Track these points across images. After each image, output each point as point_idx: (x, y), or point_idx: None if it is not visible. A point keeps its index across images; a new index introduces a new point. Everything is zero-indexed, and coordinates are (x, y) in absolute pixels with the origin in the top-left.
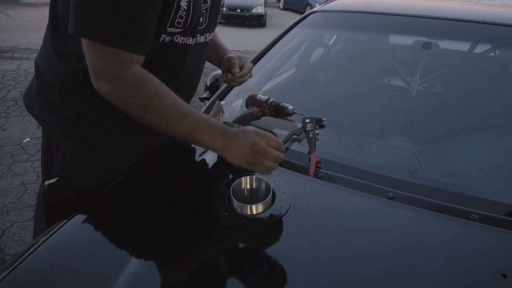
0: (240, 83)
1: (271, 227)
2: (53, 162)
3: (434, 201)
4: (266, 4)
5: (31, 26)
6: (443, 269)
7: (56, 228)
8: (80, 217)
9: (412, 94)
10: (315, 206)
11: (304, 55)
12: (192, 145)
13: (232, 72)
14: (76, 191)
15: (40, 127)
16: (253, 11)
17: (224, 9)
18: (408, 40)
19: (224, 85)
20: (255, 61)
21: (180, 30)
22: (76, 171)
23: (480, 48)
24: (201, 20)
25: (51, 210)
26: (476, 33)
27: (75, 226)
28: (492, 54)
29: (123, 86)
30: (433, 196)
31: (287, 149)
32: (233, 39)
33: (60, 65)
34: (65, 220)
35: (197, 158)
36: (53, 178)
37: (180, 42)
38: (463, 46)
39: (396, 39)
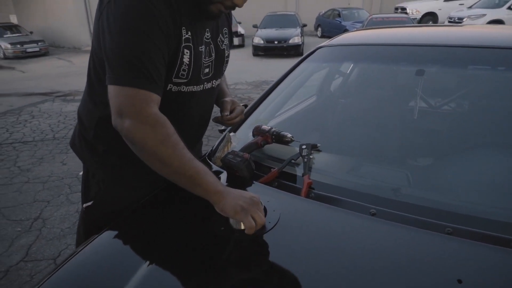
0: (230, 125)
1: (259, 238)
2: (90, 189)
3: (410, 216)
4: (303, 34)
5: None
6: (411, 276)
7: (88, 242)
8: (109, 233)
9: (397, 122)
10: (301, 221)
11: (312, 86)
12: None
13: (222, 115)
14: (107, 212)
15: None
16: (290, 41)
17: (262, 42)
18: (405, 68)
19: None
20: (268, 92)
21: (185, 80)
22: (107, 195)
23: (473, 71)
24: (206, 71)
25: (88, 227)
26: (469, 57)
27: (104, 240)
28: (484, 76)
29: (146, 122)
30: (411, 211)
31: (286, 173)
32: (271, 70)
33: (94, 111)
34: (96, 236)
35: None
36: (89, 201)
37: (186, 90)
38: (456, 71)
39: (393, 67)
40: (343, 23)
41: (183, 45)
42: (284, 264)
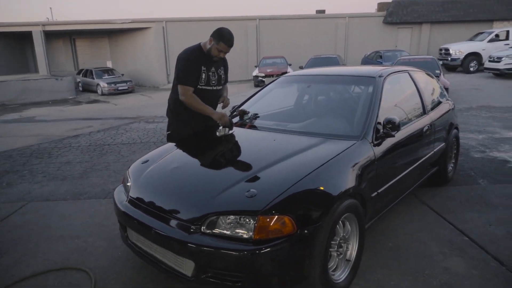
0: (223, 107)
1: (228, 136)
2: (169, 127)
3: (283, 132)
4: None
5: (165, 103)
6: (277, 144)
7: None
8: (169, 144)
9: (297, 107)
10: (244, 133)
11: (272, 93)
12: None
13: (221, 102)
14: (176, 136)
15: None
16: None
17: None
18: (307, 84)
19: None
20: (248, 98)
21: (203, 84)
22: (176, 130)
23: (338, 85)
24: (213, 82)
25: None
26: (337, 79)
27: (166, 145)
28: (342, 87)
29: (187, 96)
30: (284, 131)
31: (244, 123)
32: None
33: (172, 96)
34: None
35: (212, 130)
36: (168, 131)
37: (205, 89)
38: (324, 85)
39: (304, 84)
40: (383, 63)
41: (202, 72)
42: (240, 143)
